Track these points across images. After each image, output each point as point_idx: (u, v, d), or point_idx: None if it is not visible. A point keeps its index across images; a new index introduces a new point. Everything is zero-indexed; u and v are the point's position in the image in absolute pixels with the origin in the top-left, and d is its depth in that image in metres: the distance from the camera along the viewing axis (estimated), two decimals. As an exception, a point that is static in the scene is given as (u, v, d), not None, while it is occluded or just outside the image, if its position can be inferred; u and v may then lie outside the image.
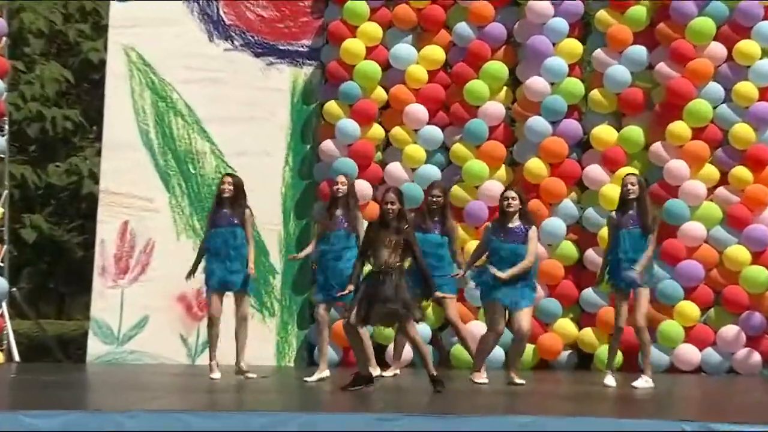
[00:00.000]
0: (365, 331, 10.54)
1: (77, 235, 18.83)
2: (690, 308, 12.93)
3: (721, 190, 13.17)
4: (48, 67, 18.56)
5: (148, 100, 14.02)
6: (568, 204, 13.50)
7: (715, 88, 13.29)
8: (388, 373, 11.85)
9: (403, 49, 13.93)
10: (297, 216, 13.95)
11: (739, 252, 12.93)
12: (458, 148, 13.70)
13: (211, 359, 11.38)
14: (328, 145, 13.83)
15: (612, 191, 12.51)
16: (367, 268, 10.04)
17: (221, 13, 14.19)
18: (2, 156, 14.51)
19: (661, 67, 13.34)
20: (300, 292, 13.76)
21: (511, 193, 10.90)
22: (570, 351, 13.39)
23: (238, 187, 11.44)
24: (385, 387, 10.90)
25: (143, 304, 13.61)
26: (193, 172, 13.96)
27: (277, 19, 14.25)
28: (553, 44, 13.67)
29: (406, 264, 10.08)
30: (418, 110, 13.76)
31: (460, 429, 7.80)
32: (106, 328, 13.61)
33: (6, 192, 14.49)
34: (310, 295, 13.03)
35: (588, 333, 13.16)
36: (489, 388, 10.67)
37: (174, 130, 14.00)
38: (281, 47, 14.19)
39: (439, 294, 10.47)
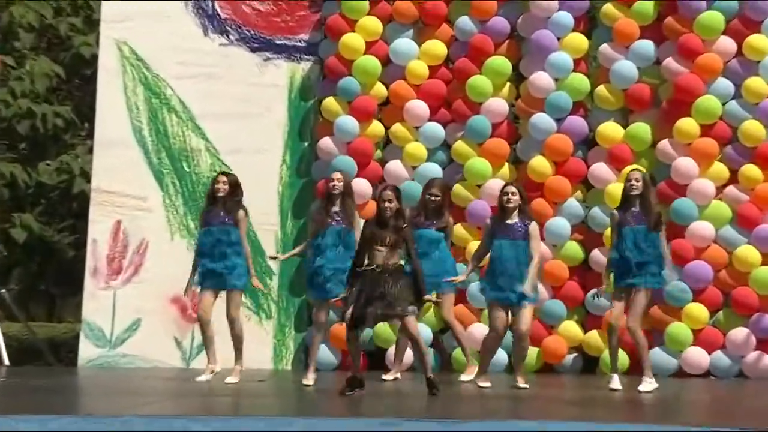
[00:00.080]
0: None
1: (68, 235, 18.83)
2: (698, 310, 12.93)
3: (731, 189, 13.17)
4: (38, 62, 18.56)
5: (141, 96, 14.03)
6: (573, 203, 13.51)
7: (725, 84, 13.29)
8: (389, 376, 11.88)
9: (404, 44, 13.94)
10: (294, 215, 13.96)
11: (749, 252, 12.93)
12: (460, 145, 13.71)
13: (208, 363, 11.39)
14: (326, 142, 13.83)
15: (618, 190, 12.48)
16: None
17: (216, 6, 14.20)
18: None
19: (669, 62, 13.34)
20: (297, 294, 13.76)
21: (511, 189, 10.94)
22: (575, 354, 13.39)
23: (234, 186, 11.44)
24: (386, 391, 10.91)
25: (136, 305, 13.61)
26: (187, 170, 13.97)
27: (273, 12, 14.26)
28: (558, 39, 13.67)
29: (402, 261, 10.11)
30: (418, 107, 13.76)
31: (461, 434, 7.81)
32: (98, 331, 13.61)
33: (-5, 191, 14.52)
34: (307, 296, 13.04)
35: (593, 336, 13.17)
36: (492, 391, 10.68)
37: (168, 127, 14.00)
38: (278, 42, 14.20)
39: (428, 298, 10.42)
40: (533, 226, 10.87)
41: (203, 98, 13.97)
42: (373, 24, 13.95)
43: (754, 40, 13.23)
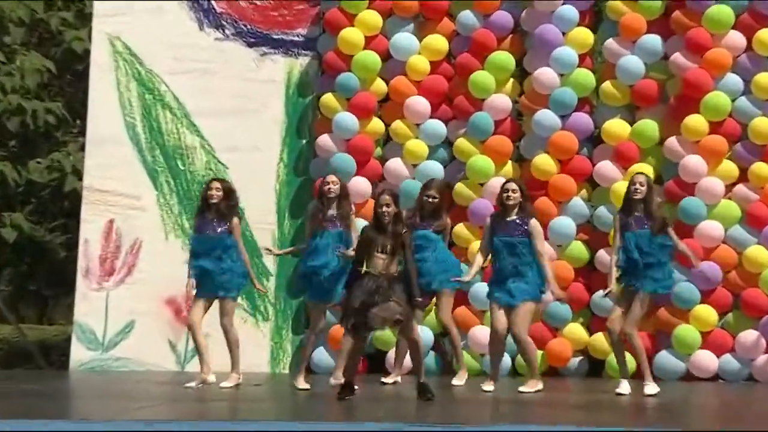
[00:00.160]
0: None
1: (60, 235, 18.82)
2: (707, 312, 12.94)
3: (740, 188, 13.18)
4: (29, 57, 18.54)
5: (135, 92, 14.04)
6: (578, 202, 13.52)
7: (734, 79, 13.30)
8: (389, 380, 11.90)
9: (404, 38, 13.95)
10: (292, 215, 13.97)
11: (759, 253, 12.94)
12: (462, 143, 13.72)
13: (201, 371, 11.41)
14: (324, 140, 13.84)
15: (624, 189, 12.51)
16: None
17: (212, 0, 14.21)
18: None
19: (677, 57, 13.35)
20: (295, 295, 13.77)
21: (512, 186, 10.99)
22: (580, 357, 13.40)
23: (228, 192, 11.45)
24: (386, 395, 10.93)
25: (130, 307, 13.62)
26: (182, 168, 13.98)
27: (270, 6, 14.27)
28: (563, 33, 13.68)
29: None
30: (419, 103, 13.77)
31: (463, 439, 7.83)
32: (90, 333, 13.62)
33: (-16, 190, 14.53)
34: (305, 298, 13.05)
35: (599, 338, 13.18)
36: (496, 396, 10.70)
37: (162, 123, 14.01)
38: (275, 36, 14.21)
39: (418, 300, 10.41)
40: (534, 224, 10.90)
41: (198, 94, 13.98)
42: (372, 18, 13.96)
43: (765, 34, 13.24)
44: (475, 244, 12.68)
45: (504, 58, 13.75)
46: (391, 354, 12.67)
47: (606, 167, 13.42)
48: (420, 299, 10.21)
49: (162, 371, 13.34)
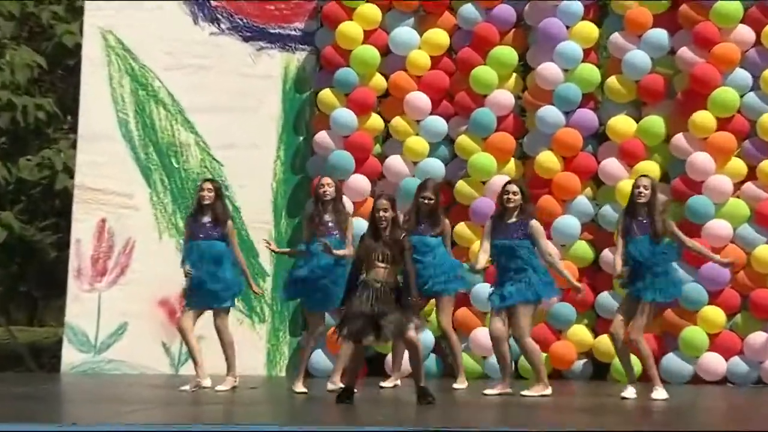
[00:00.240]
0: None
1: (51, 234, 18.83)
2: (715, 314, 12.95)
3: (749, 186, 13.20)
4: (19, 52, 18.53)
5: (128, 87, 14.06)
6: (582, 201, 13.53)
7: (742, 74, 13.31)
8: (388, 383, 11.91)
9: (404, 33, 13.96)
10: (289, 213, 13.98)
11: (768, 253, 12.98)
12: (464, 140, 13.73)
13: (196, 376, 11.43)
14: (322, 136, 13.86)
15: (630, 187, 12.53)
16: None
17: (207, -7, 14.24)
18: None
19: (684, 52, 13.36)
20: (287, 299, 13.76)
21: (513, 187, 11.00)
22: (585, 360, 13.42)
23: (219, 193, 11.47)
24: (385, 399, 10.94)
25: (122, 309, 13.64)
26: (176, 166, 13.99)
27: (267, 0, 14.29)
28: (567, 27, 13.70)
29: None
30: (420, 99, 13.79)
31: (464, 443, 7.84)
32: (81, 335, 13.64)
33: (-27, 188, 14.54)
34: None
35: (604, 340, 13.16)
36: (498, 399, 10.71)
37: (155, 120, 14.03)
38: (272, 31, 14.22)
39: (416, 300, 10.42)
40: (534, 225, 10.90)
41: (193, 90, 13.99)
42: (371, 12, 13.97)
43: (774, 28, 13.27)
44: (477, 244, 12.68)
45: (506, 53, 13.77)
46: (390, 358, 12.67)
47: (611, 165, 13.43)
48: (416, 299, 10.23)
49: (156, 374, 13.36)
